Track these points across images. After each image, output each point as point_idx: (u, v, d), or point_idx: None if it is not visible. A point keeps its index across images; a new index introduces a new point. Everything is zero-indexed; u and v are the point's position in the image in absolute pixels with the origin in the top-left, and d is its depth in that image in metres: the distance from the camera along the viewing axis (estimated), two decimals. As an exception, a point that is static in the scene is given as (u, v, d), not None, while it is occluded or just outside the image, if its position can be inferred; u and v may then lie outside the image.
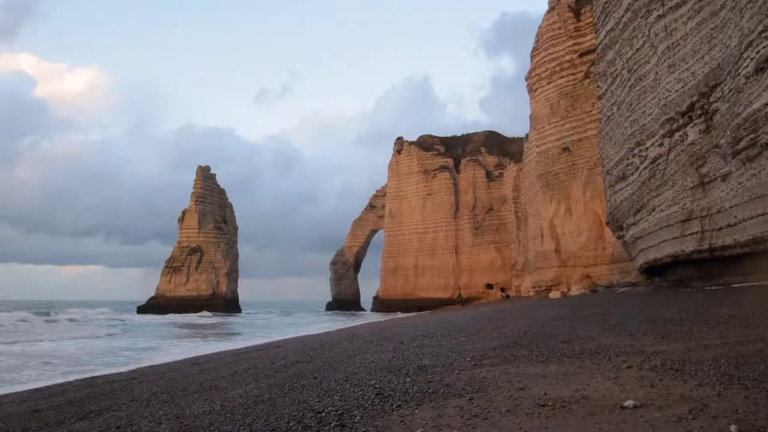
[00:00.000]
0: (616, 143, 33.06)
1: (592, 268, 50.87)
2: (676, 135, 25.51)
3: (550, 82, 58.00)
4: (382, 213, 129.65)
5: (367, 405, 6.55)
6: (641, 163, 29.43)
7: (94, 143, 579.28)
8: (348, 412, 6.25)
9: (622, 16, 30.68)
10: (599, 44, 35.20)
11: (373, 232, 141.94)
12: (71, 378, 16.45)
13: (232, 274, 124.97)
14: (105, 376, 15.64)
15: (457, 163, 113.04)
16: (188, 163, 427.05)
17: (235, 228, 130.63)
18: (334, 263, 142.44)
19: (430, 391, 7.01)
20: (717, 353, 7.66)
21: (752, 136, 19.16)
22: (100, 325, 55.35)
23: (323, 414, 6.28)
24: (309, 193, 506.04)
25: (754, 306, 13.44)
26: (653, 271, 30.98)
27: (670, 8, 25.55)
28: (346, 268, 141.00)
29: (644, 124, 28.59)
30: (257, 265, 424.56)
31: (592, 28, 52.25)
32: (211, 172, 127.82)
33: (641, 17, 28.28)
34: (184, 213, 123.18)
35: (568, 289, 49.78)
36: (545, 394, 6.23)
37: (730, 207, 21.71)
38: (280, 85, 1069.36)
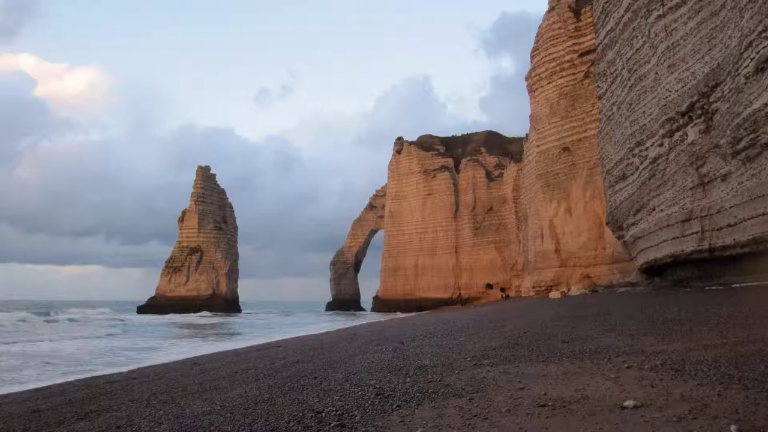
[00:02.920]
0: (616, 143, 33.07)
1: (592, 268, 50.88)
2: (676, 135, 25.51)
3: (550, 82, 58.01)
4: (382, 213, 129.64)
5: (367, 405, 6.55)
6: (641, 163, 29.43)
7: (94, 143, 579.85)
8: (348, 412, 6.25)
9: (622, 16, 30.68)
10: (599, 44, 35.21)
11: (373, 232, 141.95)
12: (71, 378, 16.46)
13: (232, 274, 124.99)
14: (105, 376, 15.65)
15: (457, 163, 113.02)
16: (188, 163, 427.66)
17: (235, 228, 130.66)
18: (334, 263, 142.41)
19: (430, 391, 7.01)
20: (717, 353, 7.66)
21: (752, 136, 19.17)
22: (100, 325, 55.35)
23: (323, 414, 6.28)
24: (309, 193, 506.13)
25: (754, 306, 13.44)
26: (653, 271, 30.99)
27: (670, 8, 25.56)
28: (346, 268, 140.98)
29: (644, 124, 28.59)
30: (257, 265, 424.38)
31: (592, 28, 52.24)
32: (211, 172, 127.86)
33: (641, 17, 28.29)
34: (184, 213, 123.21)
35: (568, 289, 49.80)
36: (545, 394, 6.23)
37: (730, 207, 21.71)
38: (280, 85, 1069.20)
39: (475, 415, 5.62)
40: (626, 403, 5.40)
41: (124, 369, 17.97)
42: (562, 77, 56.98)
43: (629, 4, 29.69)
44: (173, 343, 32.58)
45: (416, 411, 6.06)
